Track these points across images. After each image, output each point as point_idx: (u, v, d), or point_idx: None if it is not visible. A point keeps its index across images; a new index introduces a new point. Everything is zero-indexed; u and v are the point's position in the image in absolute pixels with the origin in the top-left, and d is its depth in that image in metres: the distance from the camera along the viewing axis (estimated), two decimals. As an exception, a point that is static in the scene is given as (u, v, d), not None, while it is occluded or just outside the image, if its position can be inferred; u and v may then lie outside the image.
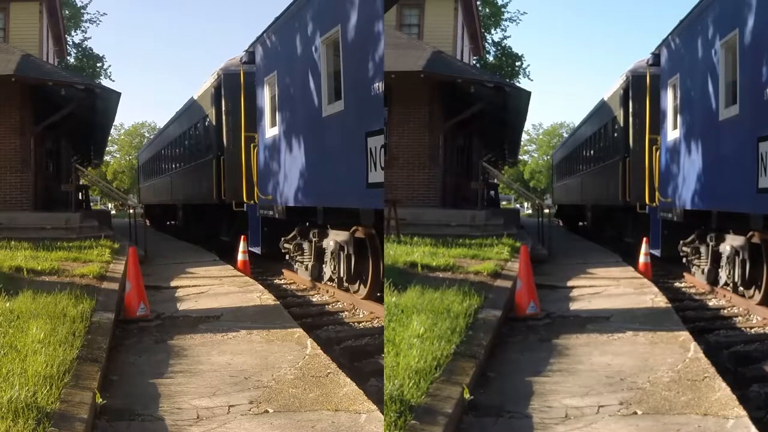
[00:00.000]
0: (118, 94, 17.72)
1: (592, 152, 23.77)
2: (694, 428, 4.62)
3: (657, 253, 13.21)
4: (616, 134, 19.00)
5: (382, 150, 8.04)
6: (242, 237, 13.63)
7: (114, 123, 25.99)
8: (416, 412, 4.55)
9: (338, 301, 10.29)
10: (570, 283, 11.05)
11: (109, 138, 50.99)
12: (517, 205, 60.81)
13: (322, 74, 9.90)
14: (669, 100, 12.59)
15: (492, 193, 25.28)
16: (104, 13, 78.46)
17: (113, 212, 41.27)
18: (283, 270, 13.32)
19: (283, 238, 12.48)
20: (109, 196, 57.15)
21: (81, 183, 24.77)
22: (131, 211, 19.37)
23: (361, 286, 10.02)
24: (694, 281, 11.99)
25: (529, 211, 52.32)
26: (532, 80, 61.03)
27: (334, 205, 10.12)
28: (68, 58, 32.23)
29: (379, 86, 8.15)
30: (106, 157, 61.14)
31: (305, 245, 11.77)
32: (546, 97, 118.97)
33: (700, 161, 10.76)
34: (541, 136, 79.12)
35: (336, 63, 9.69)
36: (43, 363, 5.24)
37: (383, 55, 8.17)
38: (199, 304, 9.36)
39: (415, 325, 6.52)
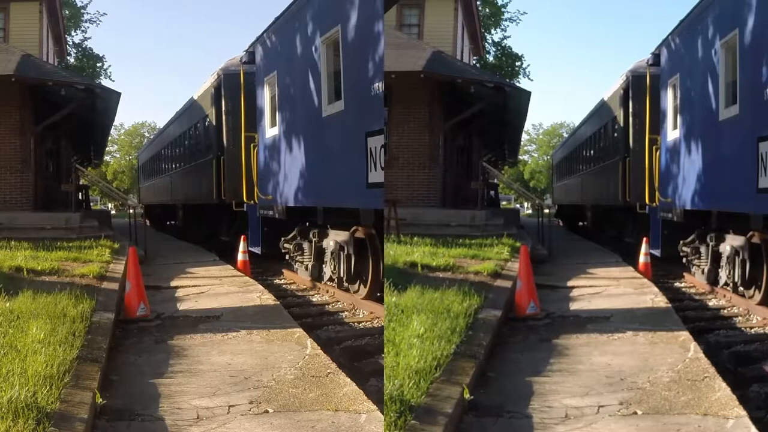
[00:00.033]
0: (118, 94, 17.74)
1: (592, 152, 23.77)
2: (694, 428, 4.62)
3: (657, 253, 13.21)
4: (616, 134, 19.00)
5: (382, 150, 8.04)
6: (242, 237, 13.63)
7: (114, 123, 26.05)
8: (416, 412, 4.55)
9: (338, 301, 10.29)
10: (570, 283, 11.05)
11: (109, 138, 51.01)
12: (517, 205, 60.82)
13: (322, 74, 9.90)
14: (669, 100, 12.59)
15: (492, 193, 25.30)
16: (104, 13, 78.61)
17: (113, 212, 41.28)
18: (283, 270, 13.32)
19: (283, 238, 12.47)
20: (109, 196, 57.15)
21: (81, 183, 24.80)
22: (131, 211, 19.37)
23: (361, 286, 10.02)
24: (694, 281, 11.99)
25: (529, 211, 52.33)
26: (532, 80, 61.08)
27: (334, 205, 10.12)
28: (68, 58, 32.24)
29: (379, 86, 8.15)
30: (106, 157, 61.17)
31: (305, 245, 11.77)
32: (546, 97, 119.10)
33: (700, 161, 10.76)
34: (541, 136, 79.14)
35: (336, 63, 9.69)
36: (43, 363, 5.24)
37: (383, 55, 8.17)
38: (199, 304, 9.36)
39: (415, 325, 6.52)
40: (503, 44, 38.10)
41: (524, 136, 68.11)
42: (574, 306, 9.17)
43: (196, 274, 12.52)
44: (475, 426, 4.84)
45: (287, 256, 12.59)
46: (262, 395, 5.31)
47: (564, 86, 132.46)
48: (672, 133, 12.39)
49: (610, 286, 10.71)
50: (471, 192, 18.66)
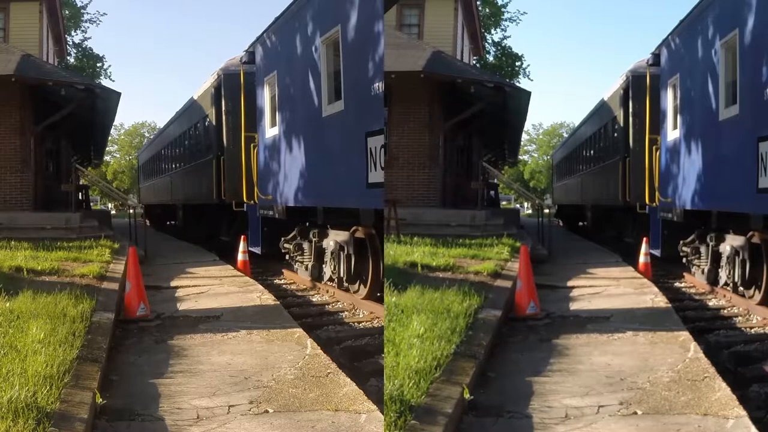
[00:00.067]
0: (118, 94, 17.74)
1: (592, 152, 23.77)
2: (694, 428, 4.62)
3: (657, 253, 13.21)
4: (616, 134, 19.00)
5: (382, 150, 8.04)
6: (242, 237, 13.63)
7: (114, 123, 26.05)
8: (416, 412, 4.55)
9: (338, 301, 10.29)
10: (570, 283, 11.05)
11: (109, 138, 51.01)
12: (517, 205, 60.82)
13: (322, 74, 9.90)
14: (669, 100, 12.59)
15: (492, 193, 25.30)
16: (104, 13, 78.58)
17: (113, 212, 41.28)
18: (283, 270, 13.32)
19: (283, 238, 12.47)
20: (109, 196, 57.15)
21: (81, 183, 24.80)
22: (131, 211, 19.38)
23: (361, 286, 10.02)
24: (694, 281, 11.99)
25: (529, 211, 52.33)
26: (532, 80, 61.08)
27: (334, 205, 10.12)
28: (68, 58, 32.24)
29: (379, 86, 8.15)
30: (106, 157, 61.18)
31: (305, 245, 11.77)
32: (546, 97, 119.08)
33: (700, 161, 10.76)
34: (541, 136, 79.14)
35: (336, 63, 9.69)
36: (43, 363, 5.24)
37: (383, 55, 8.17)
38: (199, 304, 9.36)
39: (415, 325, 6.52)
40: (503, 44, 38.14)
41: (524, 136, 68.19)
42: (574, 306, 9.17)
43: (196, 274, 12.52)
44: (475, 426, 4.84)
45: (287, 256, 12.59)
46: (262, 395, 5.31)
47: (564, 86, 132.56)
48: (672, 133, 12.39)
49: (610, 286, 10.71)
50: (471, 192, 18.65)
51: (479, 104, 17.73)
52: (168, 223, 27.63)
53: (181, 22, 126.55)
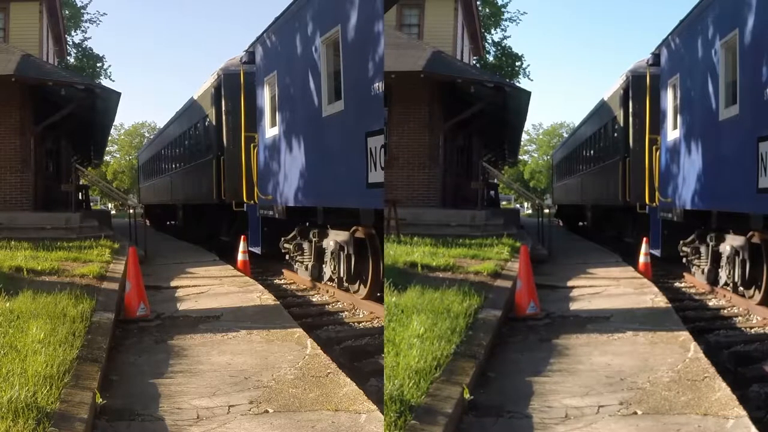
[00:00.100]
0: (118, 94, 17.74)
1: (592, 152, 23.77)
2: (694, 428, 4.62)
3: (657, 253, 13.21)
4: (616, 134, 19.00)
5: (382, 150, 8.04)
6: (242, 237, 13.63)
7: (114, 123, 26.04)
8: (416, 412, 4.55)
9: (338, 301, 10.29)
10: (570, 283, 11.05)
11: (109, 138, 51.01)
12: (517, 205, 60.81)
13: (322, 74, 9.90)
14: (669, 100, 12.59)
15: (492, 193, 25.30)
16: (104, 13, 78.60)
17: (113, 212, 41.28)
18: (283, 270, 13.32)
19: (283, 238, 12.47)
20: (109, 196, 57.15)
21: (81, 183, 24.80)
22: (131, 211, 19.38)
23: (361, 286, 10.02)
24: (694, 281, 11.99)
25: (529, 211, 52.32)
26: (532, 80, 61.09)
27: (334, 205, 10.12)
28: (68, 58, 32.24)
29: (379, 86, 8.15)
30: (106, 157, 61.17)
31: (305, 245, 11.77)
32: (546, 97, 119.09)
33: (700, 161, 10.76)
34: (541, 136, 79.14)
35: (336, 63, 9.69)
36: (43, 363, 5.24)
37: (383, 55, 8.17)
38: (199, 304, 9.36)
39: (415, 325, 6.52)
40: (503, 44, 38.14)
41: (524, 136, 68.19)
42: (574, 306, 9.17)
43: (196, 274, 12.52)
44: (475, 426, 4.84)
45: (287, 256, 12.59)
46: (262, 395, 5.31)
47: (564, 86, 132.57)
48: (672, 133, 12.39)
49: (610, 286, 10.71)
50: (471, 192, 18.65)
51: (479, 104, 17.73)
52: (168, 223, 27.63)
53: (181, 22, 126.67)
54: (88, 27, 40.10)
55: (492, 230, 15.55)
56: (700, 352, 6.48)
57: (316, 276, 11.40)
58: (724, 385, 5.41)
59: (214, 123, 17.79)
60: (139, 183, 40.20)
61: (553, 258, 14.97)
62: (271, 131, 12.35)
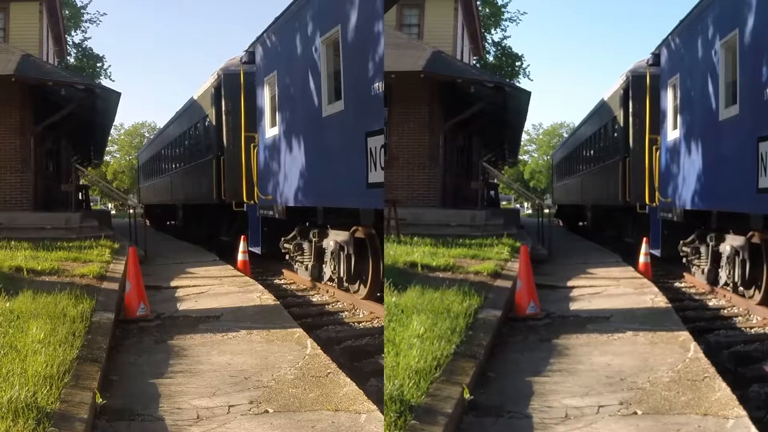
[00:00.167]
0: (118, 94, 17.74)
1: (592, 152, 23.77)
2: (694, 428, 4.62)
3: (657, 253, 13.21)
4: (616, 134, 19.00)
5: (382, 150, 8.04)
6: (242, 237, 13.63)
7: (114, 123, 26.05)
8: (416, 412, 4.55)
9: (338, 301, 10.29)
10: (570, 283, 11.05)
11: (109, 138, 51.02)
12: (517, 205, 60.81)
13: (322, 74, 9.90)
14: (669, 100, 12.59)
15: (492, 193, 25.30)
16: (104, 13, 78.63)
17: (113, 212, 41.28)
18: (283, 270, 13.32)
19: (283, 238, 12.47)
20: (109, 196, 57.15)
21: (81, 183, 24.80)
22: (131, 211, 19.37)
23: (361, 286, 10.02)
24: (694, 281, 11.99)
25: (529, 211, 52.32)
26: (532, 80, 61.10)
27: (334, 205, 10.12)
28: (68, 58, 32.24)
29: (379, 86, 8.15)
30: (106, 157, 61.17)
31: (305, 245, 11.77)
32: (546, 97, 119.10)
33: (700, 161, 10.76)
34: (541, 136, 79.15)
35: (336, 63, 9.69)
36: (43, 363, 5.24)
37: (383, 55, 8.17)
38: (199, 304, 9.36)
39: (415, 325, 6.52)
40: (503, 44, 38.14)
41: (524, 136, 68.19)
42: (574, 306, 9.17)
43: (196, 274, 12.52)
44: (475, 426, 4.84)
45: (287, 256, 12.59)
46: (262, 395, 5.31)
47: (564, 86, 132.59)
48: (672, 133, 12.39)
49: (610, 286, 10.71)
50: (471, 192, 18.65)
51: (479, 104, 17.73)
52: (168, 223, 27.64)
53: (181, 22, 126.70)
54: (88, 27, 40.15)
55: (492, 230, 15.55)
56: (700, 352, 6.48)
57: (316, 276, 11.40)
58: (724, 385, 5.41)
59: (214, 123, 17.80)
60: (139, 183, 40.21)
61: (553, 258, 14.97)
62: (271, 131, 12.35)
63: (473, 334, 6.64)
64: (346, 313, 9.62)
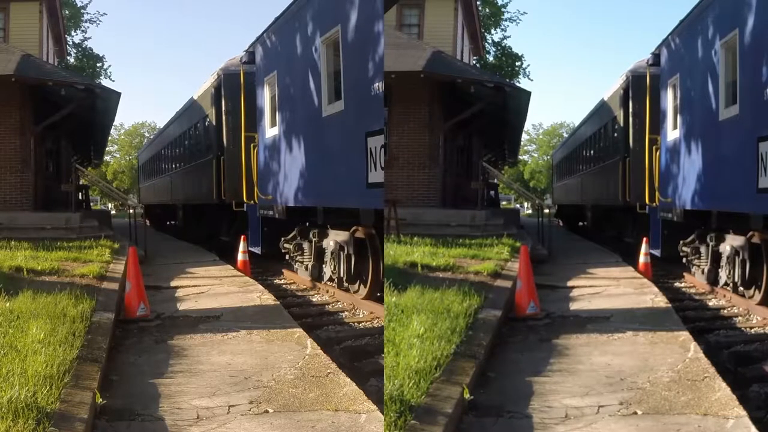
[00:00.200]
0: (118, 94, 17.74)
1: (592, 152, 23.77)
2: (694, 428, 4.62)
3: (657, 253, 13.21)
4: (616, 134, 19.00)
5: (382, 150, 8.04)
6: (242, 237, 13.63)
7: (114, 123, 26.05)
8: (416, 412, 4.55)
9: (338, 301, 10.29)
10: (570, 283, 11.05)
11: (109, 138, 51.01)
12: (517, 205, 60.81)
13: (322, 74, 9.90)
14: (669, 100, 12.59)
15: (492, 193, 25.31)
16: (104, 13, 78.63)
17: (113, 212, 41.28)
18: (283, 270, 13.32)
19: (283, 238, 12.47)
20: (109, 196, 57.15)
21: (81, 183, 24.80)
22: (131, 211, 19.37)
23: (361, 286, 10.02)
24: (694, 281, 11.99)
25: (529, 211, 52.32)
26: (532, 80, 61.12)
27: (334, 205, 10.12)
28: (68, 58, 32.23)
29: (379, 86, 8.15)
30: (106, 157, 61.16)
31: (305, 245, 11.77)
32: (546, 97, 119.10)
33: (700, 161, 10.76)
34: (541, 136, 79.14)
35: (336, 63, 9.69)
36: (43, 363, 5.24)
37: (383, 55, 8.17)
38: (199, 304, 9.36)
39: (415, 325, 6.52)
40: (503, 44, 38.14)
41: (524, 136, 68.19)
42: (574, 306, 9.17)
43: (196, 274, 12.52)
44: (475, 426, 4.84)
45: (287, 256, 12.59)
46: (262, 395, 5.31)
47: (564, 86, 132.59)
48: (672, 133, 12.39)
49: (610, 286, 10.71)
50: (471, 192, 18.65)
51: (479, 104, 17.73)
52: (168, 223, 27.64)
53: (181, 22, 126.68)
54: (88, 27, 40.14)
55: (492, 230, 15.55)
56: (700, 352, 6.48)
57: (316, 276, 11.40)
58: (724, 385, 5.41)
59: (214, 123, 17.80)
60: (139, 183, 40.20)
61: (553, 258, 14.97)
62: (271, 131, 12.35)
63: (473, 334, 6.64)
64: (346, 313, 9.62)
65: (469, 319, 7.10)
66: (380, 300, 9.16)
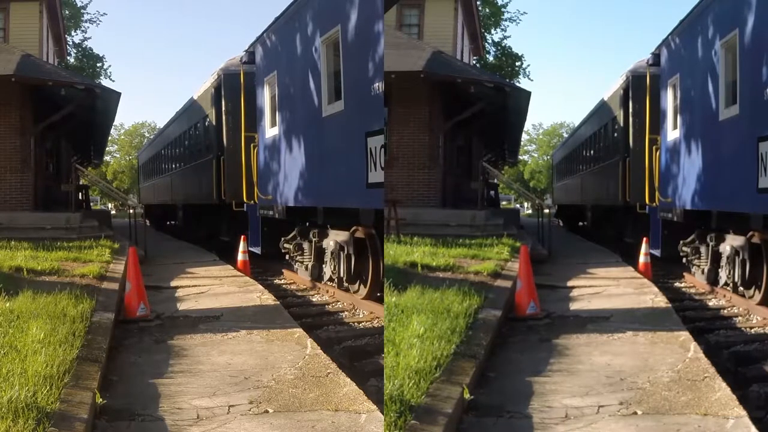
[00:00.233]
0: (118, 94, 17.75)
1: (592, 152, 23.78)
2: (694, 428, 4.62)
3: (657, 253, 13.21)
4: (616, 134, 19.01)
5: (382, 150, 8.04)
6: (242, 237, 13.63)
7: (114, 123, 26.06)
8: (416, 412, 4.55)
9: (338, 301, 10.29)
10: (570, 283, 11.05)
11: (109, 138, 51.01)
12: (517, 205, 60.83)
13: (322, 74, 9.90)
14: (669, 100, 12.59)
15: (492, 193, 25.31)
16: (104, 13, 78.95)
17: (113, 212, 41.28)
18: (283, 270, 13.32)
19: (283, 238, 12.48)
20: (109, 196, 57.15)
21: (81, 183, 24.80)
22: (131, 211, 19.37)
23: (361, 286, 10.02)
24: (694, 281, 11.99)
25: (529, 211, 52.32)
26: (532, 80, 61.18)
27: (334, 205, 10.12)
28: (68, 58, 32.23)
29: (379, 86, 8.15)
30: (106, 157, 61.13)
31: (305, 245, 11.77)
32: (546, 97, 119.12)
33: (700, 161, 10.76)
34: (541, 136, 79.14)
35: (336, 63, 9.69)
36: (43, 363, 5.24)
37: (383, 55, 8.17)
38: (199, 304, 9.36)
39: (415, 325, 6.52)
40: (503, 44, 38.14)
41: (524, 136, 68.19)
42: (574, 306, 9.17)
43: (196, 274, 12.52)
44: (475, 426, 4.84)
45: (287, 256, 12.59)
46: (262, 395, 5.31)
47: (564, 86, 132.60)
48: (672, 133, 12.39)
49: (610, 286, 10.71)
50: (471, 192, 18.66)
51: (479, 104, 17.74)
52: (168, 223, 27.64)
53: (181, 22, 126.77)
54: (88, 27, 40.16)
55: (492, 230, 15.55)
56: (700, 352, 6.48)
57: (316, 276, 11.40)
58: (724, 385, 5.41)
59: (214, 123, 17.80)
60: (139, 183, 40.21)
61: (553, 258, 14.97)
62: (271, 131, 12.35)
63: (473, 334, 6.64)
64: (346, 313, 9.62)
65: (469, 319, 7.10)
66: (380, 300, 9.16)
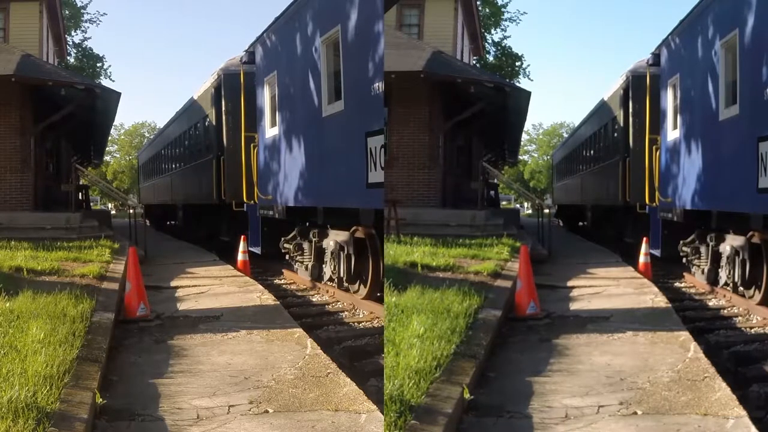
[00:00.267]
0: (118, 94, 17.76)
1: (592, 152, 23.78)
2: (694, 428, 4.62)
3: (657, 253, 13.21)
4: (616, 134, 19.01)
5: (382, 150, 8.04)
6: (242, 237, 13.63)
7: (114, 123, 26.07)
8: (416, 412, 4.55)
9: (338, 301, 10.29)
10: (570, 283, 11.05)
11: (109, 138, 51.01)
12: (517, 205, 60.83)
13: (322, 74, 9.91)
14: (669, 100, 12.59)
15: (492, 193, 25.31)
16: (104, 13, 78.96)
17: (113, 212, 41.27)
18: (283, 270, 13.32)
19: (283, 238, 12.48)
20: (109, 196, 57.15)
21: (81, 183, 24.80)
22: (131, 211, 19.37)
23: (361, 286, 10.02)
24: (694, 281, 11.99)
25: (529, 211, 52.32)
26: (532, 80, 61.17)
27: (334, 205, 10.12)
28: (68, 58, 32.23)
29: (379, 86, 8.15)
30: (106, 157, 61.13)
31: (305, 245, 11.77)
32: (546, 97, 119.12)
33: (700, 161, 10.76)
34: (541, 136, 79.13)
35: (336, 63, 9.69)
36: (43, 363, 5.24)
37: (383, 55, 8.17)
38: (199, 304, 9.36)
39: (415, 325, 6.52)
40: (503, 44, 38.14)
41: (524, 136, 68.19)
42: (574, 306, 9.17)
43: (196, 274, 12.52)
44: (475, 426, 4.84)
45: (287, 256, 12.59)
46: (262, 395, 5.31)
47: (564, 86, 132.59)
48: (672, 133, 12.39)
49: (610, 286, 10.71)
50: (471, 192, 18.66)
51: (479, 104, 17.74)
52: (168, 223, 27.64)
53: (181, 22, 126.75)
54: (88, 27, 40.16)
55: (492, 230, 15.55)
56: (700, 352, 6.48)
57: (316, 276, 11.40)
58: (724, 385, 5.41)
59: (214, 123, 17.80)
60: (139, 183, 40.20)
61: (553, 258, 14.97)
62: (271, 131, 12.35)
63: (473, 334, 6.64)
64: (346, 313, 9.62)
65: (469, 319, 7.10)
66: (380, 300, 9.16)
